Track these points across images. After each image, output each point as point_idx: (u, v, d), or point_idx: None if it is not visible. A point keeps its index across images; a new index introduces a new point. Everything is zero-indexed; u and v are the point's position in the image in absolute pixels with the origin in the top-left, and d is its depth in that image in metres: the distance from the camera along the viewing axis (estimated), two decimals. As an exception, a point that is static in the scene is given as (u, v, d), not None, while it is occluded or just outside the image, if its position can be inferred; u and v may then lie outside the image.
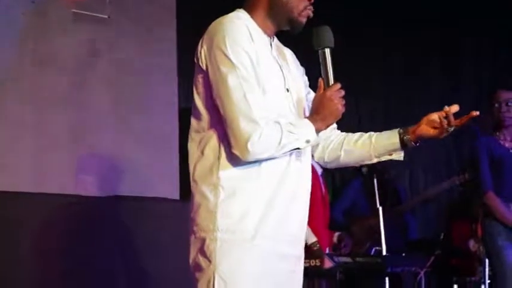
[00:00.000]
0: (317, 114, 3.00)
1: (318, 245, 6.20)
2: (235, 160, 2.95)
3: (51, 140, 6.34)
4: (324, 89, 3.00)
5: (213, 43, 2.95)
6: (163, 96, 7.16)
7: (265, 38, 3.13)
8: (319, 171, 6.59)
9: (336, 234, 6.61)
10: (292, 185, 3.06)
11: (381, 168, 7.71)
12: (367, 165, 7.64)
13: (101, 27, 6.69)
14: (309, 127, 2.95)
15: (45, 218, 6.32)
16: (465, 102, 8.67)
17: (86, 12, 6.63)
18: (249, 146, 2.86)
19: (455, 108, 3.09)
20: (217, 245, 2.93)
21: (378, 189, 7.25)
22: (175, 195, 6.76)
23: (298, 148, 2.96)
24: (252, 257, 2.96)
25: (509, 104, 5.88)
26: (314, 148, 3.34)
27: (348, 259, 6.18)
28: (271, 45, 3.17)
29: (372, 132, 3.30)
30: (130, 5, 6.98)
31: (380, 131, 3.31)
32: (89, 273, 6.29)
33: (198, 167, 3.04)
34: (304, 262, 5.76)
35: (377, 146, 3.25)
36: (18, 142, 6.18)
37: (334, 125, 3.35)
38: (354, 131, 3.42)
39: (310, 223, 6.19)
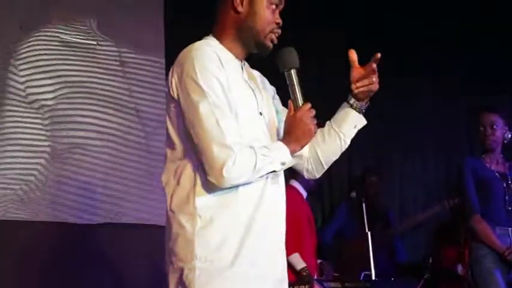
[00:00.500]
0: (290, 136, 3.00)
1: (307, 271, 6.19)
2: (211, 188, 2.92)
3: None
4: (294, 110, 3.02)
5: (183, 72, 2.94)
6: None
7: (236, 63, 3.12)
8: (304, 194, 6.61)
9: (318, 261, 6.61)
10: (269, 207, 3.04)
11: (371, 193, 7.93)
12: (356, 190, 7.76)
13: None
14: (283, 149, 2.95)
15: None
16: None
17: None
18: (224, 172, 2.83)
19: (377, 56, 3.10)
20: (196, 274, 2.91)
21: (367, 214, 7.22)
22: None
23: (274, 171, 2.95)
24: (232, 284, 2.94)
25: (494, 127, 5.86)
26: (301, 168, 3.37)
27: (337, 284, 6.19)
28: (242, 68, 3.15)
29: (328, 122, 3.31)
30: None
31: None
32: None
33: (174, 197, 3.01)
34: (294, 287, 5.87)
35: (340, 127, 3.25)
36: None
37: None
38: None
39: (299, 249, 6.25)
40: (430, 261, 7.90)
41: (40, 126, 6.64)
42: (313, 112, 3.00)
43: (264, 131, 3.08)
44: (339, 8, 8.74)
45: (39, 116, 6.64)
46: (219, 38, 3.14)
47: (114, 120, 6.85)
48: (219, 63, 2.96)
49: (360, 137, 8.72)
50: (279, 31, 3.11)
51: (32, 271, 6.28)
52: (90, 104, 6.87)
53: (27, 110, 6.59)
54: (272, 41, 3.08)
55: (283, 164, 2.96)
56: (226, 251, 2.92)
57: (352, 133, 3.25)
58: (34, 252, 6.32)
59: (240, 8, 3.08)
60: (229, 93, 2.95)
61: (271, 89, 3.33)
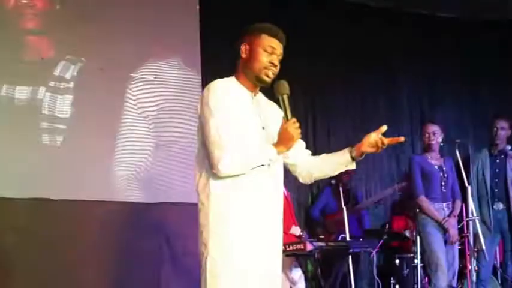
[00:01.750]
0: (279, 141, 3.09)
1: (302, 235, 6.30)
2: (219, 178, 3.04)
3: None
4: (283, 123, 3.12)
5: (203, 100, 3.11)
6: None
7: (247, 93, 3.23)
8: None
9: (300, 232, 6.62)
10: (266, 194, 3.14)
11: (345, 181, 7.90)
12: (335, 178, 7.96)
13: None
14: (271, 150, 3.07)
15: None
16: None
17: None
18: (219, 166, 2.98)
19: (384, 128, 3.18)
20: (210, 235, 3.04)
21: (343, 194, 7.36)
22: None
23: (262, 165, 3.05)
24: (237, 245, 3.03)
25: (436, 134, 5.90)
26: (293, 173, 3.44)
27: (323, 243, 6.07)
28: (252, 97, 3.23)
29: (329, 154, 3.38)
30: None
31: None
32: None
33: (199, 184, 3.15)
34: (292, 246, 5.93)
35: (336, 162, 3.32)
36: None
37: (309, 152, 3.43)
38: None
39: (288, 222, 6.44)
40: (387, 227, 8.03)
41: (147, 129, 6.93)
42: (297, 124, 3.09)
43: (265, 139, 3.16)
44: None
45: (146, 121, 6.93)
46: (236, 77, 3.26)
47: (193, 125, 6.41)
48: (228, 94, 3.11)
49: (337, 140, 8.61)
50: (273, 69, 3.17)
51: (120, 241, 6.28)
52: (179, 113, 7.08)
53: (138, 118, 6.88)
54: (268, 76, 3.16)
55: (270, 160, 3.08)
56: (232, 222, 3.03)
57: (341, 170, 3.36)
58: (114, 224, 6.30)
59: (244, 55, 3.21)
60: (239, 113, 3.09)
61: (278, 113, 3.31)
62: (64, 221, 6.00)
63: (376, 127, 8.39)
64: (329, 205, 8.05)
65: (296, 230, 6.42)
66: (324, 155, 3.41)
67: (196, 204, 3.19)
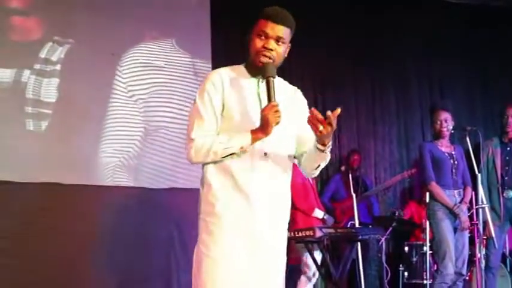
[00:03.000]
0: (258, 127, 2.97)
1: (325, 218, 6.57)
2: (210, 166, 3.03)
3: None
4: (263, 108, 2.97)
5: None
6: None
7: (251, 80, 3.12)
8: None
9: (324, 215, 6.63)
10: (260, 176, 3.02)
11: (355, 167, 7.98)
12: (345, 164, 7.91)
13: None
14: (245, 137, 2.96)
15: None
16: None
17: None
18: (187, 155, 3.03)
19: (338, 111, 2.88)
20: (201, 224, 3.03)
21: (352, 181, 7.27)
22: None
23: (233, 153, 2.96)
24: (219, 230, 2.97)
25: (447, 121, 5.87)
26: (301, 166, 3.28)
27: (332, 230, 6.05)
28: (258, 83, 3.11)
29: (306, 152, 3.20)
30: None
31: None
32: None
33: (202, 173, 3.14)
34: (302, 232, 5.88)
35: (315, 154, 3.07)
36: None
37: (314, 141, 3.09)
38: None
39: (308, 205, 6.38)
40: (397, 214, 8.08)
41: (137, 113, 6.72)
42: (276, 108, 2.92)
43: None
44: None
45: (136, 106, 6.71)
46: (245, 64, 3.17)
47: (185, 110, 6.62)
48: (218, 85, 3.06)
49: (347, 129, 8.68)
50: (267, 53, 3.03)
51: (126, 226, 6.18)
52: (171, 98, 6.87)
53: (128, 101, 6.67)
54: (260, 61, 3.04)
55: (241, 147, 2.96)
56: (219, 204, 2.97)
57: (319, 165, 3.16)
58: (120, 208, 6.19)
59: (248, 42, 3.14)
60: (218, 103, 3.03)
61: (300, 100, 3.27)
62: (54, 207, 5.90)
63: (387, 116, 8.29)
64: (339, 192, 7.99)
65: (319, 214, 6.58)
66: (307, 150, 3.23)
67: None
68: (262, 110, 2.94)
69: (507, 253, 7.02)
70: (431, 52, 9.30)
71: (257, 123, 2.98)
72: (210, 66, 7.07)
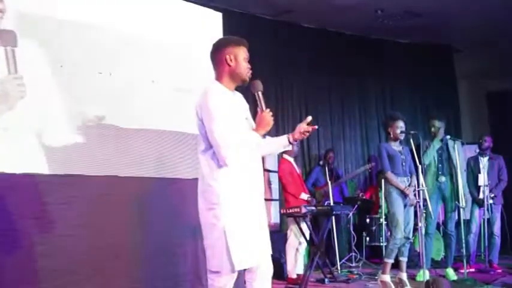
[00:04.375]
0: (258, 126, 3.01)
1: (310, 200, 6.42)
2: (219, 164, 2.91)
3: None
4: (260, 113, 3.03)
5: (203, 104, 2.92)
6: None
7: (229, 93, 3.07)
8: (291, 160, 6.62)
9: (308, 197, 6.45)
10: (253, 174, 3.02)
11: (330, 161, 7.99)
12: (322, 160, 8.01)
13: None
14: (256, 134, 2.99)
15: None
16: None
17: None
18: (227, 161, 2.87)
19: (309, 118, 3.12)
20: (222, 210, 2.90)
21: (328, 172, 7.58)
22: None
23: (253, 149, 2.98)
24: (242, 212, 2.93)
25: (401, 128, 5.71)
26: None
27: (313, 208, 6.13)
28: (232, 96, 3.09)
29: (273, 138, 3.23)
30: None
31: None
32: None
33: (205, 170, 2.97)
34: (291, 209, 5.95)
35: (278, 144, 3.19)
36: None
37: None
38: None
39: (297, 190, 6.43)
40: (360, 195, 8.16)
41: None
42: (271, 113, 3.02)
43: (247, 127, 3.06)
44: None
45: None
46: (220, 81, 3.07)
47: None
48: (222, 96, 2.98)
49: (324, 133, 8.80)
50: (250, 72, 3.07)
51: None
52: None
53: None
54: (248, 78, 3.07)
55: (257, 144, 3.00)
56: (236, 198, 2.92)
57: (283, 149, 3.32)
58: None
59: (230, 63, 3.04)
60: (229, 111, 2.93)
61: (245, 104, 3.22)
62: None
63: (353, 123, 8.33)
64: (319, 180, 7.93)
65: (305, 196, 6.50)
66: (268, 138, 3.23)
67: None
68: (262, 114, 3.02)
69: (440, 223, 7.07)
70: (385, 74, 9.54)
71: (244, 125, 3.04)
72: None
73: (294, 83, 8.36)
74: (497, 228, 7.09)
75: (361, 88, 9.37)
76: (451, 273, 6.30)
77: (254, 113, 3.14)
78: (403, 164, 5.73)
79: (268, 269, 3.09)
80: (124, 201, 4.66)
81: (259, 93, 3.08)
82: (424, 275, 5.52)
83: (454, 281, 6.05)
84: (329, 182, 7.26)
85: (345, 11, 8.15)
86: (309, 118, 3.15)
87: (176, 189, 5.18)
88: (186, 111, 4.92)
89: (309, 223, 6.19)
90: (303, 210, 5.91)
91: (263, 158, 3.26)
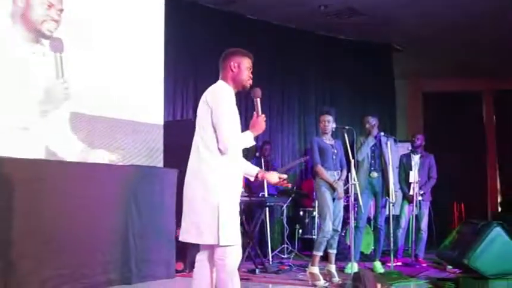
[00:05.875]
0: (252, 129, 3.30)
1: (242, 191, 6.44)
2: (219, 152, 3.16)
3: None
4: (256, 117, 3.31)
5: (217, 97, 3.22)
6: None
7: (233, 95, 3.34)
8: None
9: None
10: (240, 165, 3.31)
11: (266, 154, 8.08)
12: (259, 152, 8.04)
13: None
14: (250, 136, 3.28)
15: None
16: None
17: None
18: (229, 150, 3.13)
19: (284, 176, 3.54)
20: (219, 190, 3.14)
21: (264, 164, 7.74)
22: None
23: (247, 146, 3.28)
24: (233, 193, 3.21)
25: (329, 122, 5.82)
26: None
27: (247, 198, 6.27)
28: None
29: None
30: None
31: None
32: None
33: (205, 157, 3.19)
34: None
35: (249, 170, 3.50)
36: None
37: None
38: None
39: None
40: (294, 187, 8.24)
41: None
42: (265, 118, 3.34)
43: (240, 127, 3.32)
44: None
45: None
46: (228, 83, 3.35)
47: None
48: (231, 95, 3.29)
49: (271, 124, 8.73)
50: (251, 80, 3.37)
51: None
52: None
53: None
54: (249, 84, 3.37)
55: (251, 142, 3.29)
56: (231, 181, 3.18)
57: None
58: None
59: (234, 70, 3.34)
60: (233, 109, 3.24)
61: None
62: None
63: (291, 117, 8.35)
64: None
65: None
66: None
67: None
68: (258, 119, 3.31)
69: (371, 217, 7.12)
70: (326, 70, 9.69)
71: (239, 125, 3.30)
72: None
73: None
74: (424, 224, 7.31)
75: (301, 82, 9.49)
76: (378, 266, 6.45)
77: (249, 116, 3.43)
78: (334, 158, 5.84)
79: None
80: (54, 187, 4.64)
81: (258, 99, 3.34)
82: (352, 267, 5.73)
83: (380, 273, 6.20)
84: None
85: (289, 5, 8.25)
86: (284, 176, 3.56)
87: (109, 176, 5.22)
88: (120, 97, 5.24)
89: (241, 213, 6.22)
90: (237, 200, 5.97)
91: None
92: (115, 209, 5.18)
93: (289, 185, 3.54)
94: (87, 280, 4.80)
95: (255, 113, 3.35)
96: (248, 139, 3.30)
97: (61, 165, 4.84)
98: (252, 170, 3.53)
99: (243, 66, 3.36)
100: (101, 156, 5.31)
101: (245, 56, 3.41)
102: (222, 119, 3.18)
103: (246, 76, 3.37)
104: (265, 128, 3.43)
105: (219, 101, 3.22)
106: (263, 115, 3.35)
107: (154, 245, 5.52)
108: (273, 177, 3.51)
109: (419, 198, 7.19)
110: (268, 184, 7.39)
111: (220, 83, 3.37)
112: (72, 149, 5.07)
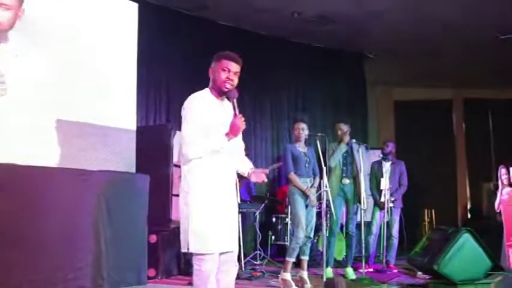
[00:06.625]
0: (230, 131, 3.26)
1: None
2: (196, 159, 3.21)
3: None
4: (234, 118, 3.29)
5: (184, 109, 3.28)
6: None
7: (216, 100, 3.37)
8: None
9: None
10: (223, 166, 3.31)
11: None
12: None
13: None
14: (222, 138, 3.23)
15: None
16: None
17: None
18: (188, 154, 3.20)
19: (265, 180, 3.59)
20: (192, 197, 3.21)
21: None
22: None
23: (216, 150, 3.21)
24: (208, 201, 3.20)
25: (303, 129, 5.86)
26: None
27: None
28: (219, 103, 3.38)
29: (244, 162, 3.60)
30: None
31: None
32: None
33: (184, 162, 3.28)
34: None
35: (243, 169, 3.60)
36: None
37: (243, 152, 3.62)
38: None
39: None
40: (268, 194, 8.27)
41: None
42: (243, 118, 3.30)
43: (225, 130, 3.25)
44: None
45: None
46: (210, 89, 3.41)
47: None
48: (202, 103, 3.29)
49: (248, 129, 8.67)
50: (231, 82, 3.33)
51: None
52: None
53: None
54: (226, 88, 3.33)
55: (221, 146, 3.24)
56: (205, 188, 3.21)
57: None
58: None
59: (211, 75, 3.40)
60: (206, 116, 3.23)
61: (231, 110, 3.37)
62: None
63: (264, 123, 8.36)
64: None
65: None
66: (244, 159, 3.68)
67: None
68: (234, 120, 3.28)
69: (343, 223, 7.13)
70: (299, 77, 9.75)
71: (222, 129, 3.26)
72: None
73: (208, 79, 8.38)
74: (395, 230, 7.37)
75: (274, 89, 9.54)
76: (350, 272, 6.47)
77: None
78: (307, 165, 5.87)
79: (234, 263, 3.39)
80: (25, 191, 4.57)
81: (234, 100, 3.34)
82: (325, 273, 5.73)
83: (352, 280, 6.23)
84: (237, 180, 7.29)
85: (262, 12, 8.29)
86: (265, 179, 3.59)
87: (80, 181, 5.12)
88: (92, 102, 5.17)
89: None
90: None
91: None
92: (86, 214, 5.09)
93: (265, 180, 3.60)
94: (59, 287, 4.70)
95: (233, 115, 3.34)
96: (219, 141, 3.24)
97: (31, 169, 4.72)
98: (244, 168, 3.59)
99: (218, 69, 3.36)
100: (72, 161, 5.25)
101: (221, 58, 3.39)
102: (184, 128, 3.25)
103: (221, 78, 3.35)
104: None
105: (185, 112, 3.29)
106: (240, 115, 3.32)
107: (126, 252, 5.45)
108: (261, 177, 3.55)
109: (391, 204, 7.25)
110: (241, 189, 7.37)
111: (196, 93, 3.38)
112: (39, 153, 4.98)
